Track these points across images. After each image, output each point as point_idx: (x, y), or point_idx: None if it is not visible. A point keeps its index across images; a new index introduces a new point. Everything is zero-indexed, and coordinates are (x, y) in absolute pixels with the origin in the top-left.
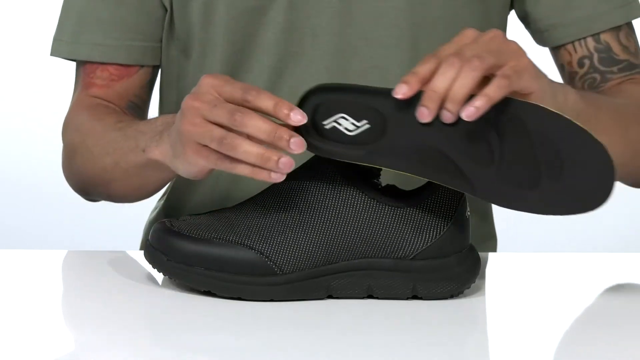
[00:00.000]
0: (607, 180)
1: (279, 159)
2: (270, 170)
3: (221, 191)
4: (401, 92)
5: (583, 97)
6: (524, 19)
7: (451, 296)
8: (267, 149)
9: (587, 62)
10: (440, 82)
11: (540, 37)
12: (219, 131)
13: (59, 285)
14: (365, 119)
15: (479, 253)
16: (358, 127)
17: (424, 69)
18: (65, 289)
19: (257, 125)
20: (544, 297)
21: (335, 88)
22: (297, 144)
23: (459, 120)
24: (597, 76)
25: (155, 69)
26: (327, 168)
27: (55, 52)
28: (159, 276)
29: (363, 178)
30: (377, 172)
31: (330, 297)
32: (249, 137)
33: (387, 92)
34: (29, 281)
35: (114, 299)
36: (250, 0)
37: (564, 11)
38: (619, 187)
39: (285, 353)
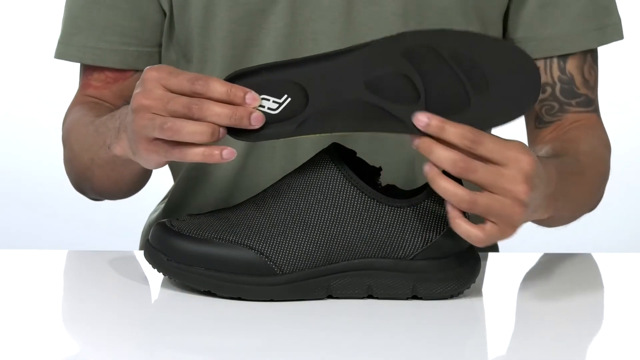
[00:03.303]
0: (533, 81)
1: (220, 129)
2: (219, 150)
3: (223, 196)
4: (421, 124)
5: (560, 178)
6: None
7: (451, 296)
8: (209, 125)
9: (549, 89)
10: (439, 156)
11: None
12: (160, 118)
13: (58, 285)
14: (285, 94)
15: (479, 253)
16: (280, 103)
17: (452, 133)
18: (65, 289)
19: (217, 112)
20: (544, 297)
21: (247, 72)
22: (257, 119)
23: (377, 67)
24: (556, 105)
25: None
26: (327, 168)
27: (56, 54)
28: (159, 276)
29: (363, 178)
30: (377, 172)
31: (330, 297)
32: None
33: (296, 62)
34: (29, 281)
35: (113, 299)
36: (250, 4)
37: (540, 27)
38: (619, 188)
39: (285, 353)
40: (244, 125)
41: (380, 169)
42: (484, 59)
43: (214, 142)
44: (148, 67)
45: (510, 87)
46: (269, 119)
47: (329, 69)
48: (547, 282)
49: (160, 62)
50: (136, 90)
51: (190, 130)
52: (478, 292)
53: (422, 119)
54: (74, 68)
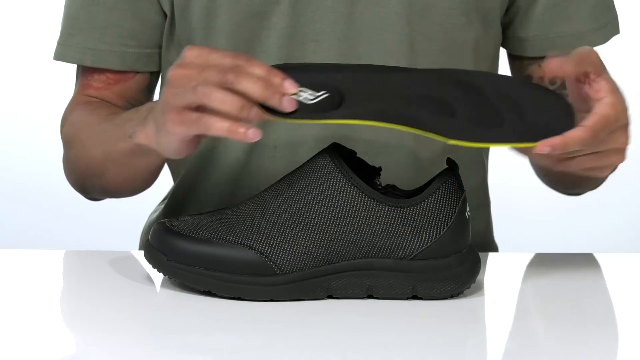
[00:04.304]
0: (567, 117)
1: (251, 106)
2: (243, 125)
3: (223, 196)
4: (546, 151)
5: None
6: (506, 25)
7: (451, 296)
8: (241, 97)
9: (558, 80)
10: (573, 163)
11: (518, 45)
12: (193, 82)
13: (58, 285)
14: (324, 89)
15: (481, 253)
16: (318, 96)
17: (574, 144)
18: (64, 289)
19: (251, 83)
20: (544, 297)
21: (291, 67)
22: (290, 102)
23: (419, 87)
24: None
25: (153, 75)
26: (327, 168)
27: (55, 55)
28: (159, 276)
29: (363, 178)
30: (377, 172)
31: (330, 297)
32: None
33: (338, 68)
34: (29, 281)
35: (113, 299)
36: (252, 5)
37: (552, 25)
38: (619, 188)
39: (285, 353)
40: (275, 103)
41: (380, 168)
42: (522, 97)
43: (242, 120)
44: (188, 45)
45: (545, 120)
46: (302, 107)
47: (371, 80)
48: (547, 282)
49: (160, 64)
50: (173, 65)
51: (220, 96)
52: (478, 292)
53: (544, 147)
54: (74, 68)
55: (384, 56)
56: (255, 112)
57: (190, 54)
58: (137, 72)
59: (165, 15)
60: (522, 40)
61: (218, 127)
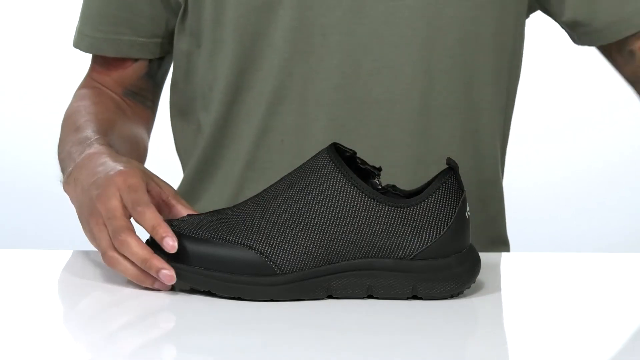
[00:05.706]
0: None
1: (160, 269)
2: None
3: (232, 189)
4: None
5: None
6: (572, 23)
7: (451, 296)
8: (153, 256)
9: None
10: None
11: (597, 35)
12: (93, 238)
13: (58, 285)
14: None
15: (482, 253)
16: None
17: None
18: (64, 289)
19: (133, 251)
20: (545, 296)
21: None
22: (166, 277)
23: None
24: None
25: (153, 62)
26: (327, 168)
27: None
28: None
29: (363, 178)
30: (377, 172)
31: (330, 297)
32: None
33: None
34: (29, 281)
35: (113, 299)
36: None
37: (621, 6)
38: (619, 188)
39: (285, 353)
40: (150, 279)
41: (380, 168)
42: None
43: (152, 273)
44: (120, 169)
45: None
46: None
47: None
48: (547, 281)
49: (158, 52)
50: (100, 188)
51: (133, 250)
52: (478, 292)
53: None
54: (74, 67)
55: (395, 51)
56: (167, 273)
57: (117, 181)
58: (136, 60)
59: (168, 7)
60: (599, 31)
61: (126, 271)
